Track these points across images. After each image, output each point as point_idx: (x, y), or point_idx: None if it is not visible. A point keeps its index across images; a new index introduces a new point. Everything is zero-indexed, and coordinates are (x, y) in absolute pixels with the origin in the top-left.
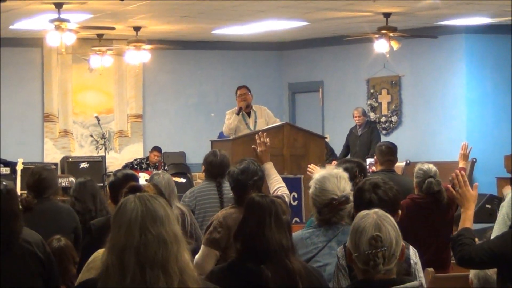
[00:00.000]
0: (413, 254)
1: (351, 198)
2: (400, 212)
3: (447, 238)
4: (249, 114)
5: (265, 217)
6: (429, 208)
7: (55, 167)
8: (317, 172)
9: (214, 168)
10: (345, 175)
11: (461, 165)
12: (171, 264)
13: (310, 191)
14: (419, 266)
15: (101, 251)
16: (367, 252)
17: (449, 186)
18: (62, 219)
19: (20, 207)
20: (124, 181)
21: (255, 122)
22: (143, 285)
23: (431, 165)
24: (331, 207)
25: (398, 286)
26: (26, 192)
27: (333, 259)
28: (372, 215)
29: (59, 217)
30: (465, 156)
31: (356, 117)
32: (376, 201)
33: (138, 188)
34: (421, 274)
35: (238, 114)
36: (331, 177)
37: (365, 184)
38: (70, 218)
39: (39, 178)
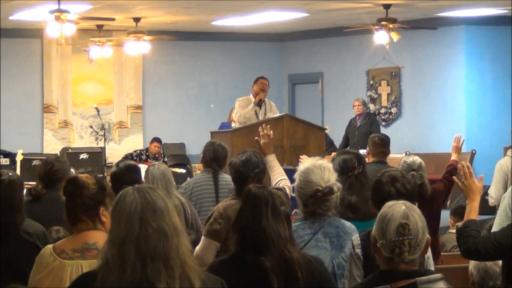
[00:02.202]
0: None
1: (335, 189)
2: (417, 204)
3: (433, 231)
4: (259, 106)
5: (261, 208)
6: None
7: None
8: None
9: (210, 153)
10: (330, 165)
11: (453, 157)
12: (172, 256)
13: (295, 183)
14: (431, 260)
15: (49, 246)
16: (393, 239)
17: (455, 178)
18: None
19: (29, 197)
20: (126, 172)
21: (265, 114)
22: (144, 277)
23: (416, 158)
24: (316, 198)
25: (421, 277)
26: (35, 182)
27: (320, 251)
28: (400, 205)
29: None
30: (457, 149)
31: (356, 106)
32: (394, 194)
33: (76, 180)
34: (432, 268)
35: (259, 106)
36: (315, 168)
37: (383, 176)
38: None
39: (51, 169)
